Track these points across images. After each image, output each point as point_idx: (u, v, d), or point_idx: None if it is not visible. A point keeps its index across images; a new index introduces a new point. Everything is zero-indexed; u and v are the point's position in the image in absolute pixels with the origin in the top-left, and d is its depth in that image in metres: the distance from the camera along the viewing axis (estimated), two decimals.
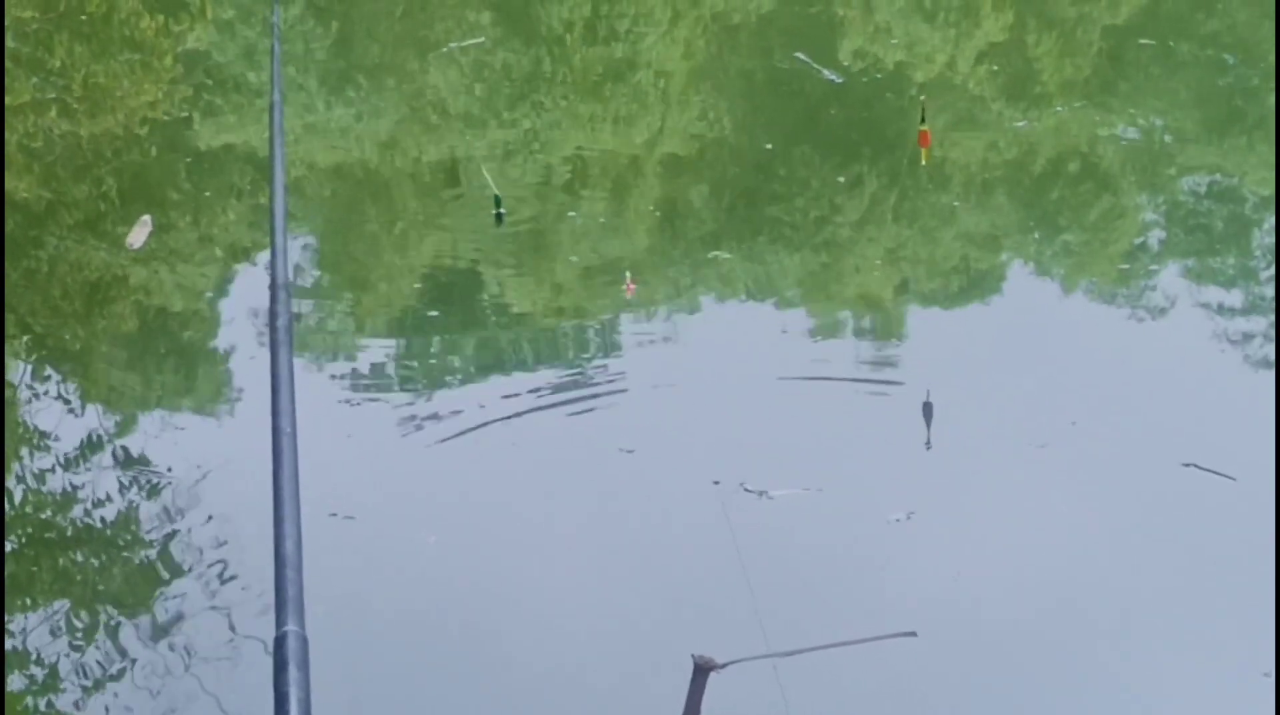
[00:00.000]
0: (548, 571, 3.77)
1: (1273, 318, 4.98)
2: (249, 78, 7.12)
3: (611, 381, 4.57)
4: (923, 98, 5.38)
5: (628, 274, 5.18)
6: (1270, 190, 5.86)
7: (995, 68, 7.05)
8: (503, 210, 5.43)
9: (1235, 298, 5.16)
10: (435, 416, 4.43)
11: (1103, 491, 3.95)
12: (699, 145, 6.39)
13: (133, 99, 6.82)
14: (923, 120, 5.16)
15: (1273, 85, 6.71)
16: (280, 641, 2.02)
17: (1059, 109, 6.63)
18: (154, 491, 4.21)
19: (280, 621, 2.06)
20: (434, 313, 5.15)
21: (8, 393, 4.75)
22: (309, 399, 4.65)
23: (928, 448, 4.11)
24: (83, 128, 6.57)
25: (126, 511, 4.13)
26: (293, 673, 1.98)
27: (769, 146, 6.24)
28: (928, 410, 4.21)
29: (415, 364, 4.84)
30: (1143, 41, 7.29)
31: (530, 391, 4.51)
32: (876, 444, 4.20)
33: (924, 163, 5.19)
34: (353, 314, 5.17)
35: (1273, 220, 5.65)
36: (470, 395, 4.53)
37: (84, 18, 7.58)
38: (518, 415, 4.36)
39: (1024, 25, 7.46)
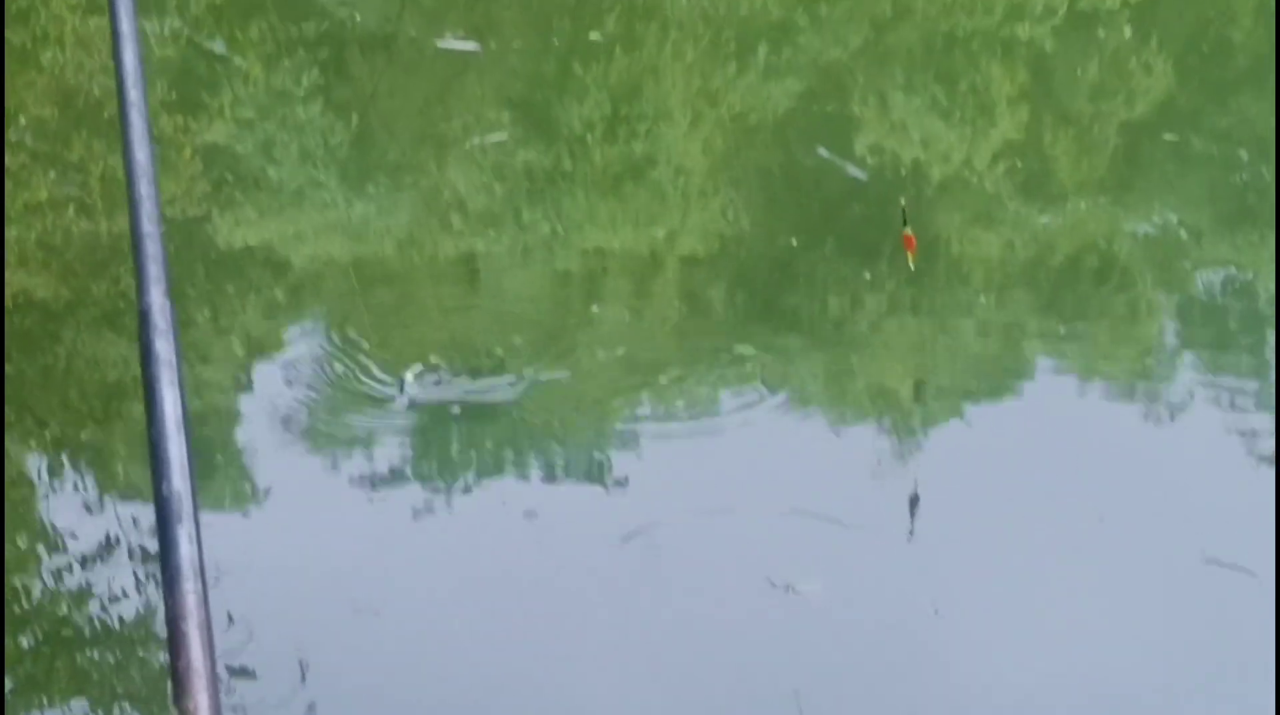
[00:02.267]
0: (570, 663, 3.84)
1: None
2: (269, 173, 7.26)
3: (632, 476, 4.67)
4: (903, 201, 5.46)
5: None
6: None
7: (1014, 164, 7.17)
8: (406, 385, 5.27)
9: (1250, 392, 5.26)
10: (453, 512, 4.53)
11: (1129, 588, 4.03)
12: (720, 242, 6.51)
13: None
14: (905, 223, 5.22)
15: None
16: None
17: (1077, 205, 6.75)
18: None
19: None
20: (454, 410, 5.25)
21: (25, 491, 4.85)
22: (326, 493, 4.77)
23: (910, 537, 4.19)
24: (101, 224, 6.70)
25: (144, 610, 4.21)
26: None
27: (794, 242, 6.36)
28: (914, 502, 4.30)
29: (434, 458, 4.94)
30: (1167, 137, 7.42)
31: (549, 486, 4.61)
32: (900, 538, 4.28)
33: (911, 266, 5.28)
34: (365, 402, 5.26)
35: None
36: (489, 490, 4.63)
37: (105, 117, 7.75)
38: (538, 511, 4.47)
39: (1040, 122, 7.60)
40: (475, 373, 5.44)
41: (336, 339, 5.85)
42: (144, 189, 2.12)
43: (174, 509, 1.93)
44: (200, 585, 1.90)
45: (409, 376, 5.11)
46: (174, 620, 1.88)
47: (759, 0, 8.87)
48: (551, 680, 3.78)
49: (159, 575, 4.37)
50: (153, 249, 2.07)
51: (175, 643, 1.90)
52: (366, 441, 5.07)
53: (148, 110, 2.10)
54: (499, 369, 5.50)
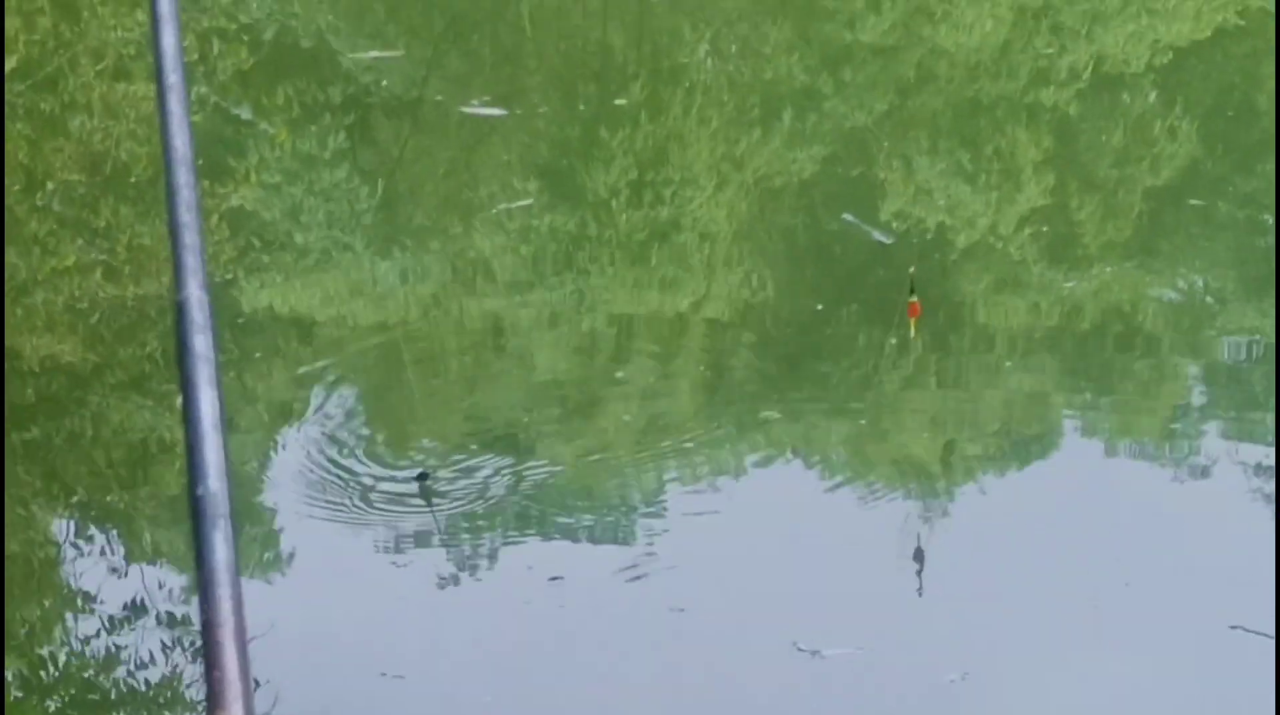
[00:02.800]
0: None
1: None
2: (295, 237, 7.33)
3: (658, 541, 4.71)
4: (911, 269, 5.50)
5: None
6: None
7: (1039, 229, 7.22)
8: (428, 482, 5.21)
9: (1274, 456, 5.28)
10: (479, 576, 4.57)
11: (1155, 653, 4.06)
12: (744, 307, 6.55)
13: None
14: (912, 292, 5.25)
15: None
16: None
17: (1102, 270, 6.78)
18: (198, 654, 4.33)
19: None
20: (480, 472, 5.29)
21: (52, 552, 4.90)
22: (351, 558, 4.81)
23: (919, 595, 4.22)
24: (129, 289, 6.76)
25: (170, 674, 4.25)
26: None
27: (818, 307, 6.41)
28: (919, 555, 4.33)
29: (462, 524, 4.97)
30: (1192, 202, 7.46)
31: (576, 551, 4.64)
32: (927, 602, 4.31)
33: (914, 336, 5.31)
34: (390, 466, 5.30)
35: None
36: (515, 555, 4.67)
37: (131, 180, 7.83)
38: (564, 575, 4.50)
39: (1065, 188, 7.65)
40: (500, 450, 5.47)
41: (363, 405, 5.90)
42: (182, 177, 2.06)
43: (210, 510, 1.91)
44: (236, 591, 1.89)
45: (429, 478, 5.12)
46: (209, 627, 1.87)
47: (783, 66, 8.95)
48: None
49: (186, 640, 4.45)
50: (190, 239, 2.02)
51: (210, 651, 1.88)
52: (391, 509, 5.11)
53: (187, 95, 2.07)
54: (526, 440, 5.54)
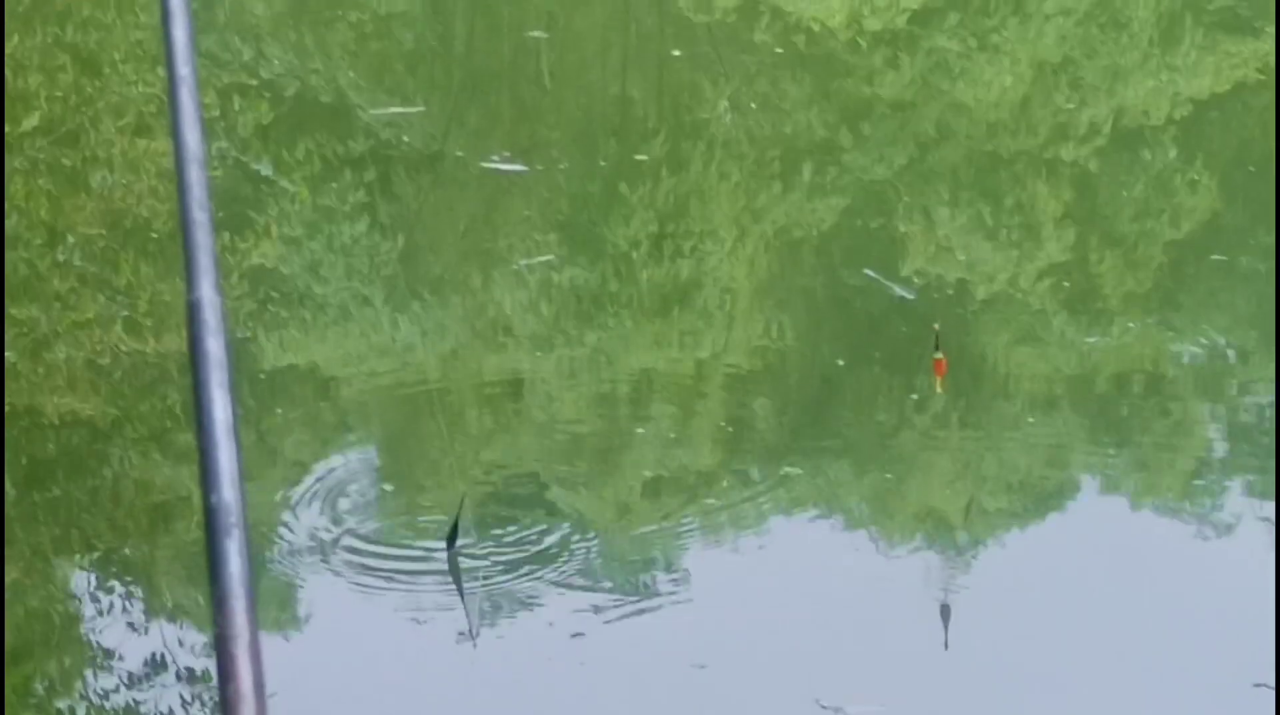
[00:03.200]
0: None
1: None
2: (315, 291, 7.37)
3: (680, 597, 4.73)
4: (936, 325, 5.52)
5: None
6: None
7: (1060, 283, 7.24)
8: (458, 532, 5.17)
9: None
10: (500, 633, 4.59)
11: (1178, 710, 4.07)
12: (764, 361, 6.59)
13: None
14: (937, 348, 5.26)
15: None
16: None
17: (1123, 325, 6.81)
18: (217, 710, 4.35)
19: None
20: (496, 529, 5.31)
21: (72, 608, 4.93)
22: (370, 616, 4.83)
23: (945, 649, 4.24)
24: (149, 344, 6.80)
25: None
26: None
27: (840, 362, 6.44)
28: (945, 611, 4.35)
29: (478, 579, 4.99)
30: (1216, 257, 7.48)
31: (595, 605, 4.66)
32: (951, 658, 4.33)
33: (940, 391, 5.32)
34: (411, 528, 5.33)
35: None
36: (536, 612, 4.69)
37: (152, 235, 7.89)
38: (585, 633, 4.52)
39: (1086, 242, 7.68)
40: (520, 506, 5.49)
41: (382, 461, 5.93)
42: (194, 174, 1.99)
43: (223, 520, 1.84)
44: (251, 603, 1.84)
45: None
46: (223, 641, 1.82)
47: (803, 120, 9.01)
48: None
49: (206, 695, 4.47)
50: (203, 239, 1.96)
51: (224, 666, 1.84)
52: (412, 566, 5.13)
53: (198, 89, 2.01)
54: (546, 497, 5.57)
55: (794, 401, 6.29)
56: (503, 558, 5.13)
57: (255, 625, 1.83)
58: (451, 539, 5.02)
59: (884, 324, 6.90)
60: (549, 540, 5.20)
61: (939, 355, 5.27)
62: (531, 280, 7.44)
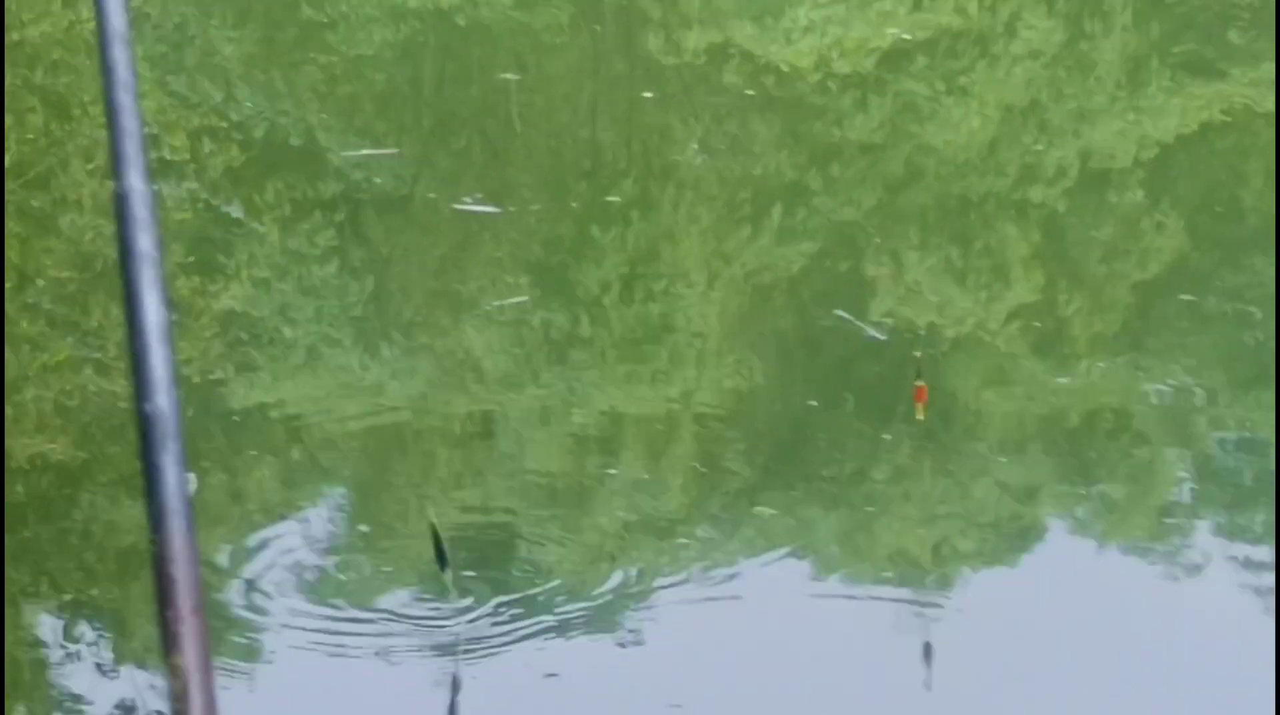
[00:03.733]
0: None
1: None
2: (284, 332, 7.39)
3: (654, 637, 4.78)
4: (917, 353, 5.63)
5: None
6: None
7: (1029, 325, 7.32)
8: (445, 557, 5.15)
9: (1265, 552, 5.37)
10: (475, 675, 4.62)
11: None
12: (736, 402, 6.64)
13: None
14: (918, 376, 5.36)
15: None
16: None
17: (1092, 366, 6.89)
18: None
19: None
20: (468, 571, 5.33)
21: (38, 655, 4.94)
22: (343, 661, 4.85)
23: (928, 689, 4.30)
24: (118, 384, 6.82)
25: None
26: None
27: (805, 397, 6.51)
28: (928, 650, 4.40)
29: (448, 622, 5.01)
30: (1183, 297, 7.57)
31: (571, 648, 4.71)
32: (924, 697, 4.39)
33: (920, 417, 5.40)
34: (380, 572, 5.35)
35: None
36: (509, 653, 4.73)
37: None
38: (560, 673, 4.56)
39: (1055, 285, 7.75)
40: (491, 549, 5.53)
41: (353, 505, 5.95)
42: (118, 54, 1.83)
43: (158, 432, 1.72)
44: (189, 522, 1.73)
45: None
46: (161, 563, 1.73)
47: (772, 162, 9.09)
48: None
49: None
50: (129, 124, 1.80)
51: (163, 590, 1.72)
52: (383, 611, 5.15)
53: None
54: (516, 538, 5.61)
55: (765, 443, 6.34)
56: (478, 606, 5.17)
57: (195, 546, 1.72)
58: (441, 561, 5.03)
59: (855, 366, 6.96)
60: (517, 583, 5.24)
61: (920, 382, 5.36)
62: (502, 321, 7.48)
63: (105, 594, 5.33)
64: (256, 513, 5.88)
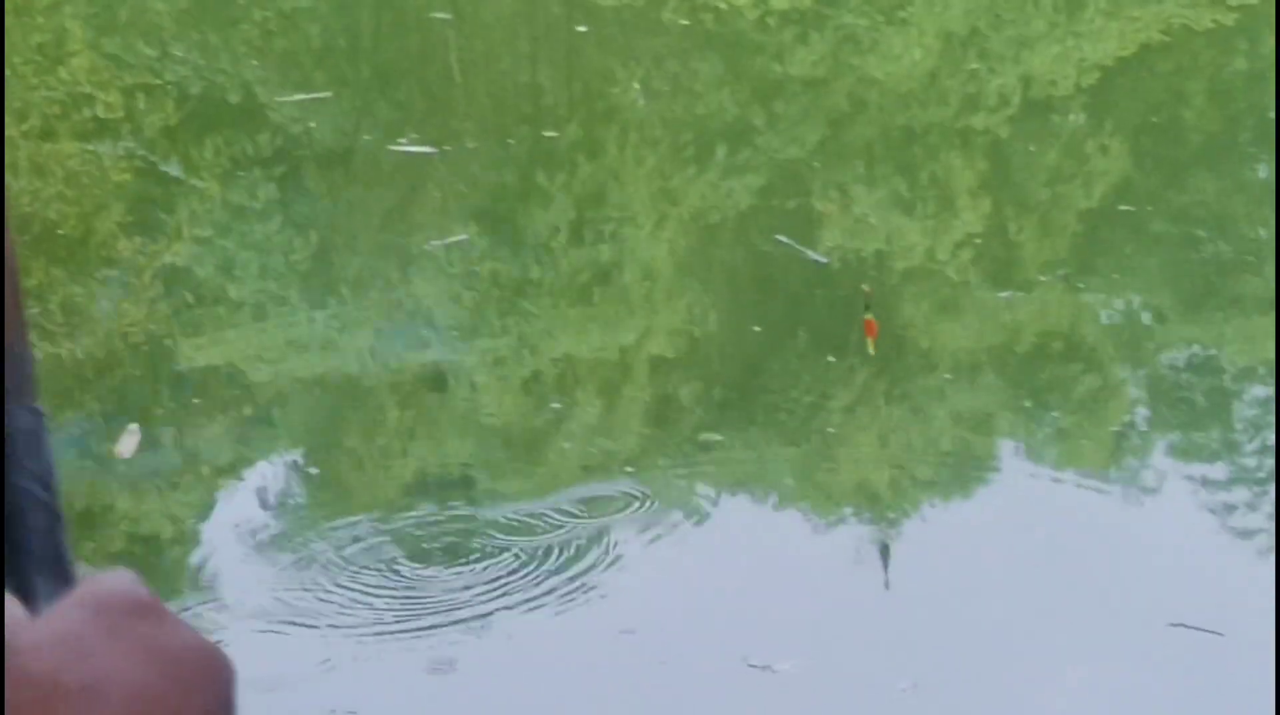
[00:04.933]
0: None
1: (1255, 488, 5.29)
2: (229, 291, 7.41)
3: (606, 566, 4.86)
4: (865, 287, 5.70)
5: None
6: (1246, 362, 6.22)
7: (977, 252, 7.40)
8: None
9: (1219, 468, 5.49)
10: (424, 603, 4.69)
11: (1101, 655, 4.26)
12: (688, 338, 6.71)
13: (114, 319, 7.11)
14: (867, 309, 5.43)
15: (1245, 259, 7.09)
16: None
17: (1041, 291, 6.98)
18: None
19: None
20: (427, 509, 5.37)
21: None
22: (301, 603, 4.90)
23: (886, 588, 4.40)
24: (63, 349, 6.83)
25: None
26: None
27: (757, 329, 6.58)
28: (884, 551, 4.49)
29: (406, 566, 5.07)
30: (1122, 207, 7.67)
31: (522, 579, 4.79)
32: (879, 615, 4.49)
33: (872, 352, 5.47)
34: (335, 528, 5.39)
35: (1255, 391, 6.00)
36: (460, 584, 4.80)
37: (60, 236, 7.92)
38: (513, 607, 4.64)
39: (1001, 210, 7.84)
40: (445, 489, 5.58)
41: (305, 461, 5.98)
42: None
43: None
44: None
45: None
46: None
47: (714, 101, 9.14)
48: None
49: None
50: None
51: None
52: (337, 562, 5.20)
53: None
54: (470, 479, 5.66)
55: (718, 379, 6.41)
56: (430, 541, 5.23)
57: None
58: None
59: (804, 298, 7.03)
60: (471, 519, 5.30)
61: (869, 316, 5.42)
62: (451, 271, 7.52)
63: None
64: (206, 470, 5.91)
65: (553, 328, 6.95)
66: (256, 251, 7.72)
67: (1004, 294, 6.87)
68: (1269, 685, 3.99)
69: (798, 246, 7.20)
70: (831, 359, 6.30)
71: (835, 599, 4.64)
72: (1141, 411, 6.09)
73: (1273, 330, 6.19)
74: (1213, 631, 4.32)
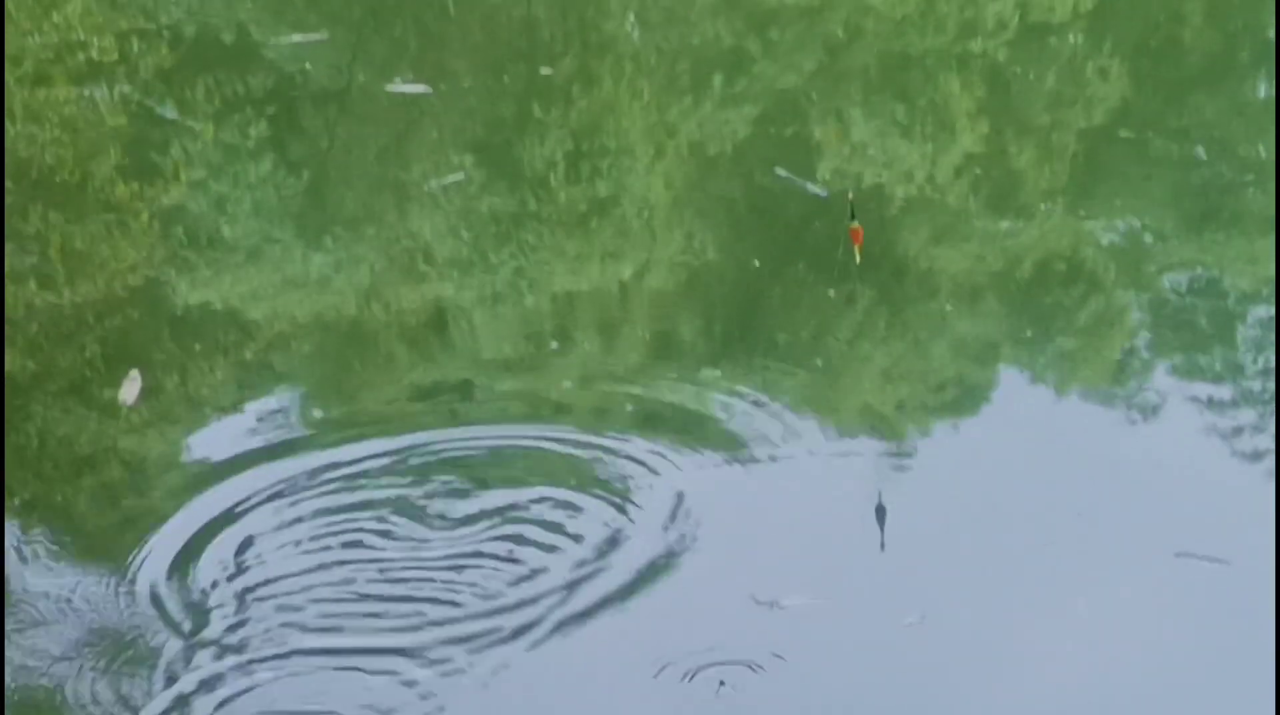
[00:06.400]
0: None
1: (1260, 409, 5.23)
2: (224, 231, 7.35)
3: (609, 501, 4.82)
4: (850, 194, 5.64)
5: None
6: (1249, 283, 6.14)
7: (976, 178, 7.32)
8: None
9: (1224, 389, 5.42)
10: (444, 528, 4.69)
11: (1111, 585, 4.21)
12: (687, 272, 6.64)
13: (113, 263, 7.05)
14: (852, 217, 5.36)
15: (1245, 179, 7.00)
16: None
17: (1042, 215, 6.90)
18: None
19: None
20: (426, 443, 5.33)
21: None
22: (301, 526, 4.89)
23: (882, 550, 4.35)
24: (64, 296, 6.78)
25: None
26: None
27: (756, 263, 6.51)
28: (880, 513, 4.44)
29: (420, 502, 5.04)
30: (1124, 138, 7.58)
31: (536, 506, 4.77)
32: (885, 549, 4.44)
33: (858, 261, 5.42)
34: (341, 466, 5.36)
35: (1258, 312, 5.93)
36: (467, 508, 4.80)
37: (58, 182, 7.84)
38: (524, 538, 4.63)
39: (1001, 135, 7.74)
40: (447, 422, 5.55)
41: (307, 402, 5.94)
42: None
43: None
44: None
45: None
46: None
47: (710, 30, 9.03)
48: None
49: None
50: None
51: None
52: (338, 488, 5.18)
53: None
54: (472, 412, 5.62)
55: (718, 311, 6.35)
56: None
57: None
58: None
59: (803, 227, 6.95)
60: (472, 452, 5.28)
61: (855, 224, 5.36)
62: (448, 207, 7.44)
63: (58, 500, 5.34)
64: (209, 408, 5.87)
65: (551, 261, 6.88)
66: (250, 191, 7.65)
67: (1008, 225, 6.80)
68: (1271, 611, 3.97)
69: (797, 179, 7.12)
70: (831, 293, 6.23)
71: (840, 531, 4.59)
72: (1144, 334, 6.02)
73: (1273, 251, 6.12)
74: (1218, 560, 4.29)
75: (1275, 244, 6.17)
